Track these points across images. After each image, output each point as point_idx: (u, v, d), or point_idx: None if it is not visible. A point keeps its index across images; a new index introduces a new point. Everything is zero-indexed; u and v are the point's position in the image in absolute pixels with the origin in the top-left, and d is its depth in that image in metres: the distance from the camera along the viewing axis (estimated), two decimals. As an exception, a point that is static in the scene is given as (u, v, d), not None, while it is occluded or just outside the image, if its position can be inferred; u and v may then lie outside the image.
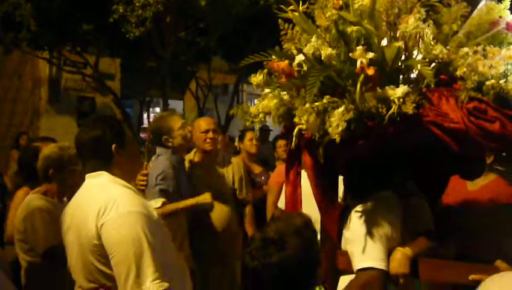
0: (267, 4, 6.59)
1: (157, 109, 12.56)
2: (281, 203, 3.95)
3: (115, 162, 2.15)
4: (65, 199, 2.99)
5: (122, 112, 8.59)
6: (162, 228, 2.15)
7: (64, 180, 2.94)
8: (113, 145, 2.14)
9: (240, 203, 3.87)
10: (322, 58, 1.84)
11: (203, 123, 3.80)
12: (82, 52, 8.35)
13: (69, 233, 2.15)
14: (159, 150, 3.45)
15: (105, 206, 1.99)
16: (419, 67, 1.79)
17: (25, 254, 2.93)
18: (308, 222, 1.65)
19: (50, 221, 2.82)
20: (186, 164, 3.72)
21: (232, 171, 3.81)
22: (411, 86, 1.84)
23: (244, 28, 7.66)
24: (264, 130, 8.86)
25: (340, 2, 1.95)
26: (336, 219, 2.20)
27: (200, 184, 3.67)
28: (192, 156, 3.83)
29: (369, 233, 2.03)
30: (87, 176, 2.18)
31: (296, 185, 2.25)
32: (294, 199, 2.25)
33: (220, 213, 3.66)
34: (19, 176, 3.77)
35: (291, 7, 2.12)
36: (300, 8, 2.10)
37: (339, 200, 2.36)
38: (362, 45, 1.82)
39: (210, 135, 3.69)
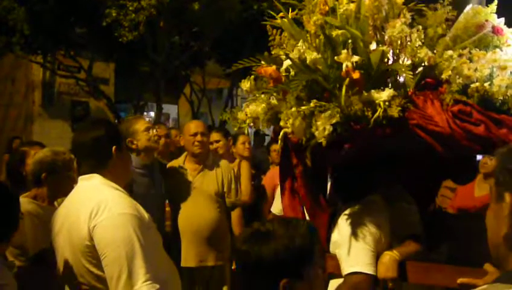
0: (260, 9, 6.59)
1: (152, 114, 12.54)
2: (274, 208, 3.95)
3: (110, 165, 2.14)
4: (56, 203, 2.97)
5: (116, 116, 8.56)
6: (153, 230, 2.14)
7: (57, 185, 2.90)
8: (114, 147, 2.14)
9: (230, 206, 3.86)
10: (307, 62, 1.85)
11: (192, 126, 3.83)
12: (76, 56, 8.32)
13: (59, 235, 2.14)
14: None
15: (98, 208, 1.98)
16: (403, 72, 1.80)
17: (15, 258, 2.85)
18: (305, 233, 1.52)
19: (39, 225, 2.78)
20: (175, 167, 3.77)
21: (221, 174, 3.81)
22: (399, 89, 1.85)
23: (238, 33, 7.65)
24: (260, 135, 8.87)
25: (327, 8, 1.96)
26: (325, 222, 2.20)
27: (188, 187, 3.70)
28: (182, 159, 3.86)
29: (358, 237, 2.04)
30: (79, 178, 2.16)
31: (293, 193, 2.23)
32: (294, 207, 2.23)
33: (208, 216, 3.68)
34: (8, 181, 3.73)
35: (281, 14, 2.13)
36: (290, 14, 2.12)
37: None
38: (349, 50, 1.83)
39: (198, 138, 3.72)
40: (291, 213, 2.23)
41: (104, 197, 2.03)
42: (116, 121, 8.17)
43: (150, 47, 7.27)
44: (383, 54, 1.80)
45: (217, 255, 3.67)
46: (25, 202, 2.90)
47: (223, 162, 3.92)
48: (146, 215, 2.11)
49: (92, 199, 2.03)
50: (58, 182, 2.90)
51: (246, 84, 2.17)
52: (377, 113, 1.74)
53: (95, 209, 1.98)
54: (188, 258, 3.63)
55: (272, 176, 4.54)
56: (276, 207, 3.83)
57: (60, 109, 10.58)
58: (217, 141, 4.40)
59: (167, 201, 3.81)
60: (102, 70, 10.08)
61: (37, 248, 2.77)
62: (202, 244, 3.65)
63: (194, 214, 3.66)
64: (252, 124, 2.12)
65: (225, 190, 3.79)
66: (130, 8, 6.24)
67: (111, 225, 1.96)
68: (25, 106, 10.58)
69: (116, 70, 10.61)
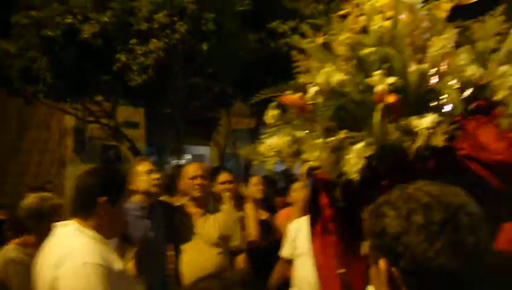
0: (278, 47, 6.50)
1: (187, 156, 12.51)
2: (283, 252, 3.75)
3: (95, 214, 2.10)
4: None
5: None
6: (124, 280, 2.13)
7: (43, 232, 2.80)
8: (102, 198, 2.10)
9: (234, 250, 3.74)
10: (333, 84, 1.62)
11: (191, 170, 3.79)
12: (103, 101, 8.42)
13: (37, 283, 2.14)
14: None
15: (63, 257, 1.97)
16: (447, 92, 1.54)
17: None
18: None
19: (24, 273, 2.72)
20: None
21: (223, 218, 3.71)
22: (442, 114, 1.59)
23: (257, 72, 7.54)
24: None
25: (358, 26, 1.75)
26: (362, 272, 1.90)
27: (189, 232, 3.61)
28: (183, 203, 3.80)
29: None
30: (55, 224, 2.17)
31: (325, 238, 1.96)
32: (326, 253, 1.96)
33: (210, 262, 3.53)
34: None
35: (307, 40, 1.93)
36: (319, 40, 1.91)
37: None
38: (384, 70, 1.60)
39: (198, 181, 3.67)
40: (324, 261, 1.96)
41: (70, 246, 2.01)
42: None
43: (170, 89, 7.28)
44: (423, 73, 1.55)
45: None
46: (10, 249, 2.93)
47: (225, 206, 3.80)
48: (118, 265, 2.09)
49: (59, 247, 2.04)
50: (44, 228, 2.75)
51: (269, 117, 1.95)
52: (418, 143, 1.48)
53: (60, 259, 1.98)
54: None
55: (286, 215, 4.29)
56: (285, 251, 3.69)
57: (91, 154, 10.80)
58: (230, 182, 4.08)
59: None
60: (131, 114, 10.18)
61: None
62: None
63: (196, 260, 3.52)
64: (275, 158, 1.90)
65: (229, 233, 3.66)
66: (139, 52, 6.29)
67: (72, 276, 1.94)
68: (59, 152, 10.83)
69: (146, 114, 10.69)
